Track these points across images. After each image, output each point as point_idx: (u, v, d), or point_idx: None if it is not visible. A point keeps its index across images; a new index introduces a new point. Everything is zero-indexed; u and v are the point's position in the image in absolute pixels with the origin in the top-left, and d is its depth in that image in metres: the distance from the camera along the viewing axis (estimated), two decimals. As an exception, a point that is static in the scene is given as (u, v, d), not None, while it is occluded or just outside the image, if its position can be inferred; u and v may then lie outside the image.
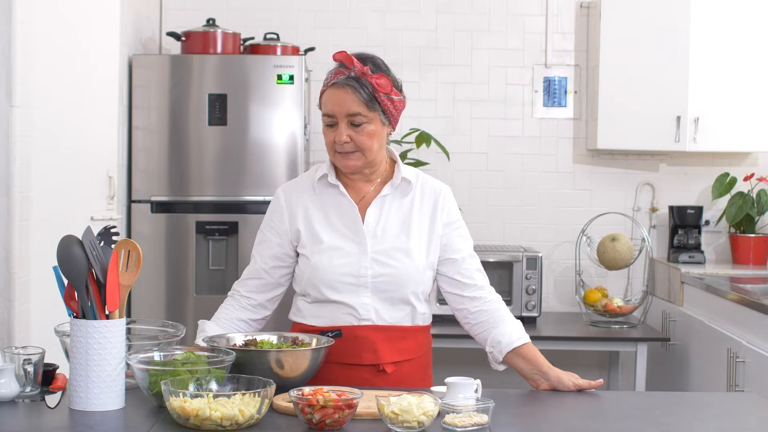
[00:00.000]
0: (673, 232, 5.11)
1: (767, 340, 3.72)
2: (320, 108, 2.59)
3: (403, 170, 2.65)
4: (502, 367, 2.65)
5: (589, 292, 4.82)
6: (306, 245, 2.59)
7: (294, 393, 2.11)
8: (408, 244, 2.58)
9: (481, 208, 5.25)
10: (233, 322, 2.63)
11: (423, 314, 2.64)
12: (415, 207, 2.63)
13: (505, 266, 4.74)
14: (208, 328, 2.58)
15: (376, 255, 2.56)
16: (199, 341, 2.48)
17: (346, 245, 2.57)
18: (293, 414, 2.15)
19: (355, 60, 2.52)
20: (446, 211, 2.66)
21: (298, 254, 2.64)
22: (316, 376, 2.46)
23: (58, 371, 2.40)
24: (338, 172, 2.65)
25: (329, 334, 2.53)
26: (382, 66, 2.58)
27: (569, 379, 2.53)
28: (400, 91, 2.60)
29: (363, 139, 2.54)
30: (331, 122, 2.55)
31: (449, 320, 4.73)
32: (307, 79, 4.67)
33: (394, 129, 2.63)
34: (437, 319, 4.73)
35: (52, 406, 2.24)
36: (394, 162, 2.68)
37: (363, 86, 2.51)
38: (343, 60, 2.53)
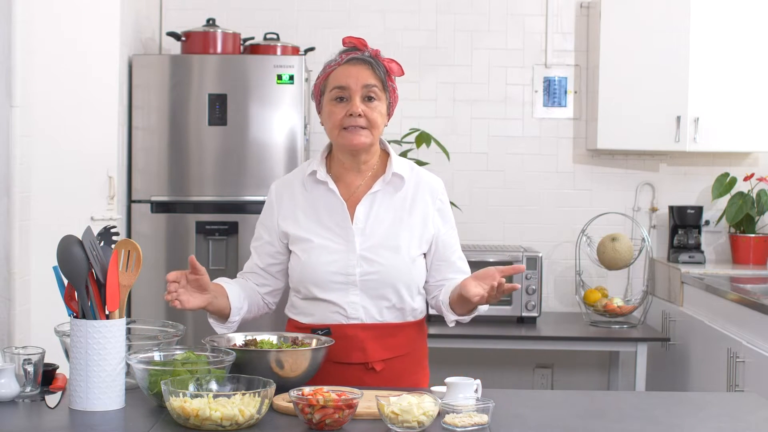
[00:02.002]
0: (673, 232, 5.11)
1: (767, 340, 3.72)
2: (321, 90, 2.58)
3: (395, 165, 2.62)
4: (452, 318, 2.59)
5: (589, 292, 4.82)
6: (296, 243, 2.60)
7: (294, 393, 2.11)
8: (397, 241, 2.56)
9: (481, 208, 5.25)
10: (246, 288, 2.66)
11: (414, 310, 2.62)
12: (407, 202, 2.61)
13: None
14: (223, 278, 2.64)
15: (364, 252, 2.55)
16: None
17: (334, 243, 2.56)
18: (293, 414, 2.15)
19: (367, 43, 2.57)
20: (440, 210, 2.65)
21: (291, 251, 2.64)
22: None
23: (58, 371, 2.40)
24: (329, 167, 2.63)
25: (319, 332, 2.54)
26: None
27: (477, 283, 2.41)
28: None
29: (375, 115, 2.54)
30: (341, 95, 2.53)
31: (449, 320, 4.73)
32: (307, 79, 4.67)
33: (388, 120, 2.62)
34: (437, 319, 4.73)
35: (52, 406, 2.24)
36: (387, 155, 2.66)
37: (379, 65, 2.56)
38: (356, 44, 2.57)
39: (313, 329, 2.56)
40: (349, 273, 2.54)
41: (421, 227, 2.60)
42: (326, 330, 2.55)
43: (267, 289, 2.70)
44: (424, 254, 2.64)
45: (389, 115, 2.61)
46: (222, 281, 2.62)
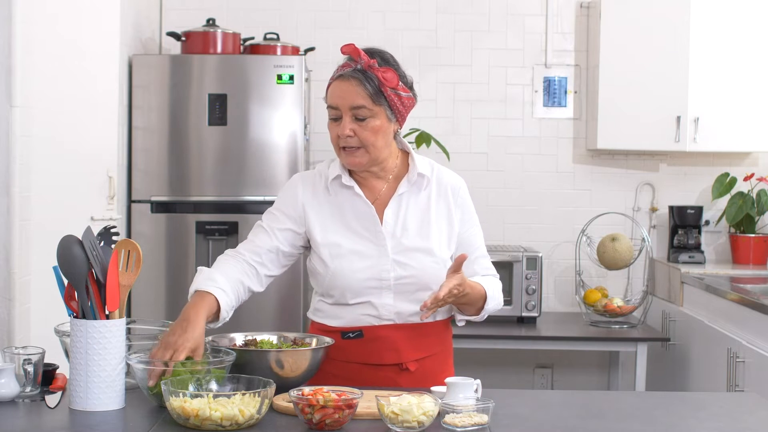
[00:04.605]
0: (673, 232, 5.11)
1: (767, 340, 3.72)
2: (326, 101, 2.55)
3: (418, 164, 2.60)
4: (460, 317, 2.60)
5: (589, 292, 4.82)
6: (323, 249, 2.53)
7: (294, 393, 2.11)
8: (428, 242, 2.54)
9: (481, 208, 5.18)
10: (236, 282, 2.47)
11: (443, 308, 2.58)
12: (432, 201, 2.60)
13: (505, 266, 4.74)
14: (217, 278, 2.42)
15: (397, 256, 2.52)
16: (200, 284, 2.39)
17: (365, 248, 2.52)
18: (293, 414, 2.15)
19: (362, 53, 2.48)
20: (462, 207, 2.64)
21: (304, 248, 2.60)
22: (340, 375, 2.47)
23: (58, 371, 2.40)
24: (351, 171, 2.59)
25: (350, 335, 2.52)
26: (390, 60, 2.54)
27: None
28: (410, 88, 2.55)
29: (367, 135, 2.49)
30: (335, 115, 2.50)
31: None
32: (307, 79, 4.67)
33: (401, 126, 2.58)
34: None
35: (52, 406, 2.24)
36: (406, 155, 2.64)
37: (369, 79, 2.47)
38: (350, 53, 2.49)
39: (343, 332, 2.53)
40: (383, 278, 2.51)
41: (447, 227, 2.60)
42: (358, 332, 2.52)
43: (268, 272, 2.54)
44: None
45: (399, 120, 2.55)
46: (209, 279, 2.42)
